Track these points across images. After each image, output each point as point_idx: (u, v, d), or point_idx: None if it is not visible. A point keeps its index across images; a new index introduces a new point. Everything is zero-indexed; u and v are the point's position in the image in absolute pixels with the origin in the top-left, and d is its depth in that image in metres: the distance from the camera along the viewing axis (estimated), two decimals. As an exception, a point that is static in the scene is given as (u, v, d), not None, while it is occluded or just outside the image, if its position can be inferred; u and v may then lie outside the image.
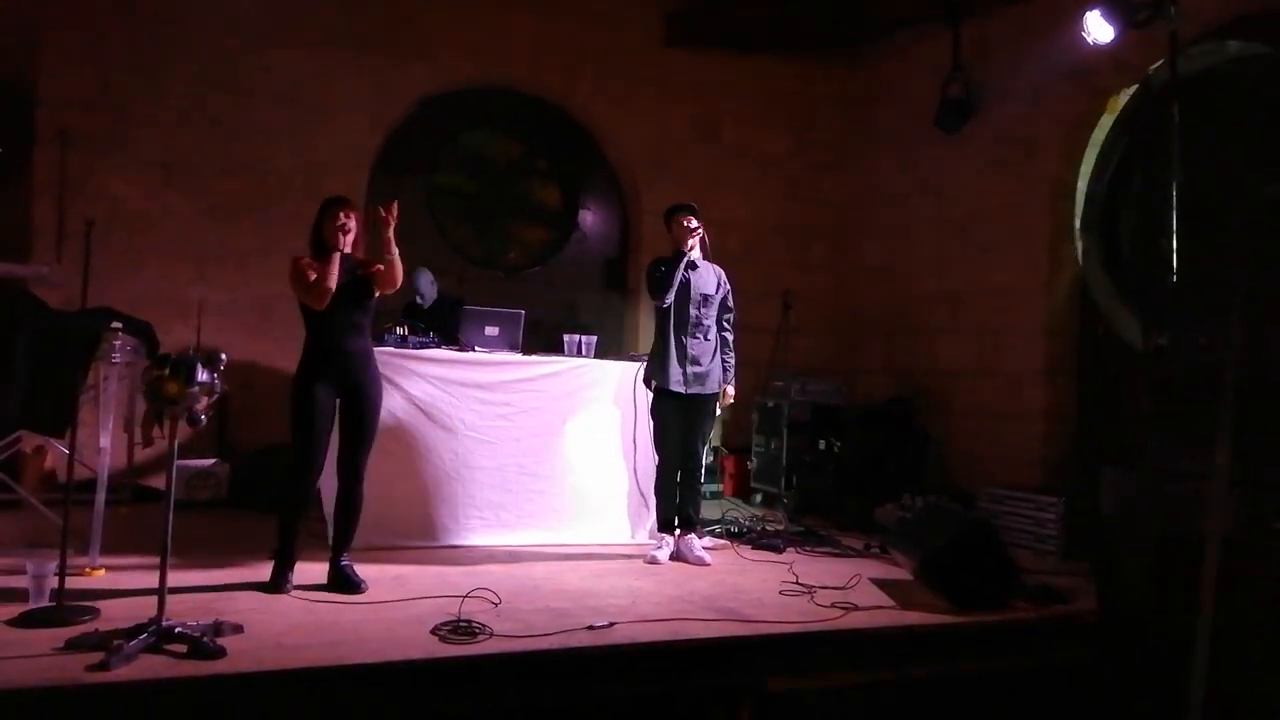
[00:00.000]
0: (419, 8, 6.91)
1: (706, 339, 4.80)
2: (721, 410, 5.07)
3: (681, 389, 4.73)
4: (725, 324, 4.93)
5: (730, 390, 4.92)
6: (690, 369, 4.74)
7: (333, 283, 3.82)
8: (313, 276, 3.84)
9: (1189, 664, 3.13)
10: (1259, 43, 5.31)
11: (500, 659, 3.05)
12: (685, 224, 4.77)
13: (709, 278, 4.87)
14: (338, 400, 3.91)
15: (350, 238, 3.92)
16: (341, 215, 3.91)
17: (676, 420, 4.77)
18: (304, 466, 3.85)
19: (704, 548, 4.84)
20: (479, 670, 3.04)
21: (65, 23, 6.13)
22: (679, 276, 4.71)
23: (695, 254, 4.81)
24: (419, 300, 6.18)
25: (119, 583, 3.73)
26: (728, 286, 4.95)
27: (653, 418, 4.88)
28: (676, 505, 4.83)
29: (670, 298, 4.71)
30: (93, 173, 6.13)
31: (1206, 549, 3.18)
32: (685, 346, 4.74)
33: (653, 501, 4.98)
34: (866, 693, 3.50)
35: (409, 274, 6.14)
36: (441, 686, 2.99)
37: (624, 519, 5.24)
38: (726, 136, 7.80)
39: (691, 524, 4.84)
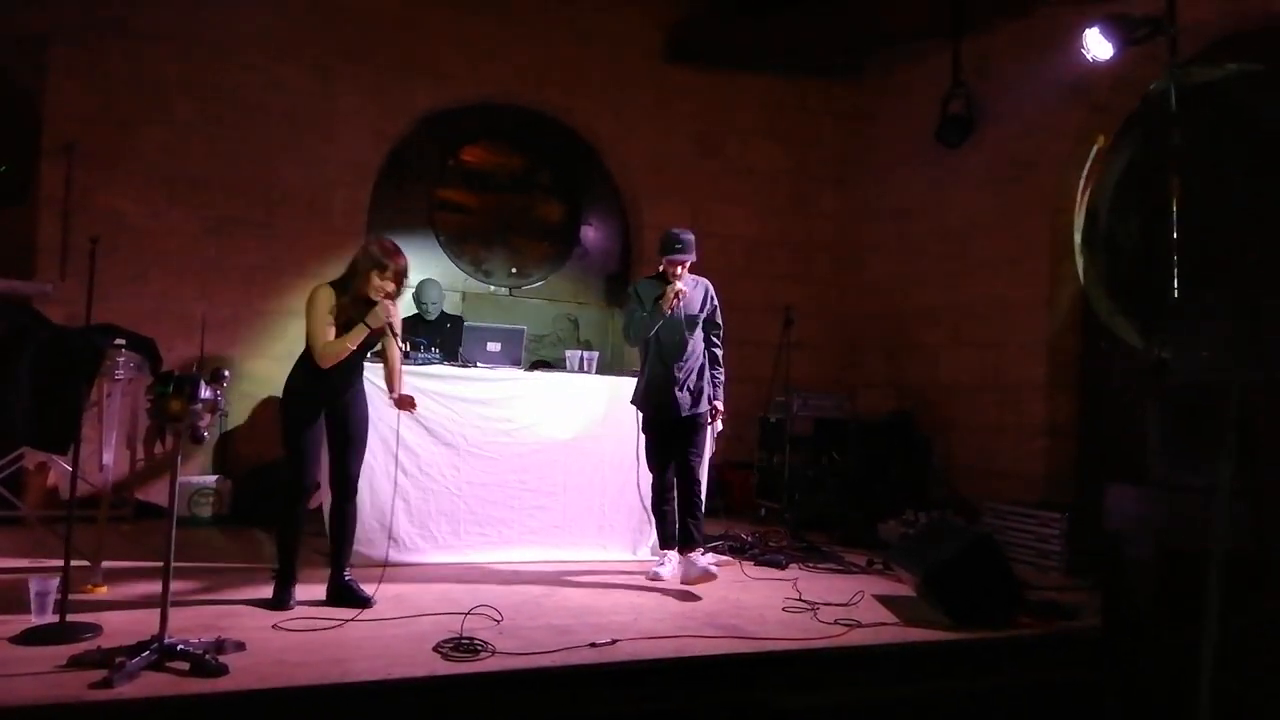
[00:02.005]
0: (421, 24, 6.95)
1: (694, 360, 4.66)
2: (715, 429, 4.91)
3: (668, 414, 4.63)
4: (714, 340, 4.77)
5: (719, 406, 4.74)
6: (678, 394, 4.60)
7: (346, 354, 3.75)
8: (330, 336, 3.72)
9: (1194, 679, 3.11)
10: (1258, 60, 5.33)
11: (503, 677, 3.04)
12: (670, 270, 4.62)
13: (695, 297, 4.69)
14: (325, 415, 3.86)
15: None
16: (393, 286, 3.78)
17: (665, 439, 4.66)
18: (298, 479, 3.82)
19: (708, 564, 4.81)
20: (481, 688, 3.03)
21: (70, 40, 6.16)
22: (656, 326, 4.59)
23: (684, 281, 4.63)
24: (427, 309, 6.15)
25: (121, 599, 3.73)
26: (715, 303, 4.76)
27: (644, 435, 4.78)
28: (676, 522, 4.73)
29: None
30: (97, 189, 6.15)
31: (1211, 563, 3.17)
32: (671, 372, 4.61)
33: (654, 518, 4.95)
34: (870, 710, 3.49)
35: (419, 285, 6.19)
36: (444, 704, 2.98)
37: (626, 535, 5.23)
38: (728, 151, 7.83)
39: (693, 543, 4.70)
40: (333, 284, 3.82)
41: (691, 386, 4.65)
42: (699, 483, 4.79)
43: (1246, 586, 3.21)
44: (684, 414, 4.64)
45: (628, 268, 7.90)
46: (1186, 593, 3.27)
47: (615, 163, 7.77)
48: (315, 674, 2.92)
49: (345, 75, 6.76)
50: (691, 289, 4.68)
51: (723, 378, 4.79)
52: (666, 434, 4.69)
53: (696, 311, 4.70)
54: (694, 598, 4.29)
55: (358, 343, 3.75)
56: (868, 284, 7.91)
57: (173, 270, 6.30)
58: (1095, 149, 6.08)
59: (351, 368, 3.88)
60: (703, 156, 7.74)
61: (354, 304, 3.77)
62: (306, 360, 3.81)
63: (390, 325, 3.79)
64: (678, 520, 4.72)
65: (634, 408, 4.94)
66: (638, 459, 5.09)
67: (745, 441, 7.05)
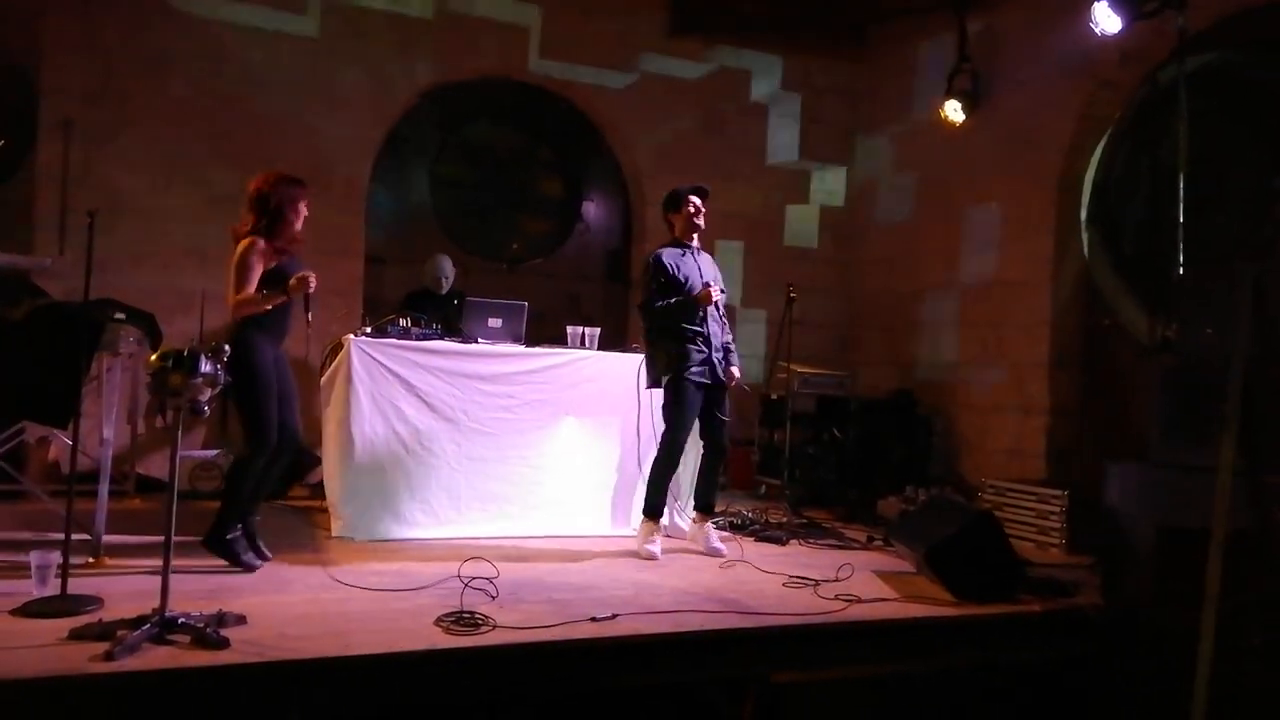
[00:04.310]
0: (422, -1, 6.89)
1: (722, 330, 4.78)
2: (733, 391, 4.96)
3: (707, 379, 4.64)
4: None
5: (735, 372, 4.84)
6: (715, 356, 4.68)
7: (257, 312, 3.86)
8: (252, 290, 3.83)
9: (1193, 656, 3.12)
10: (1265, 33, 5.28)
11: (504, 650, 3.05)
12: (691, 208, 4.76)
13: (709, 264, 4.87)
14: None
15: None
16: (304, 206, 3.97)
17: (697, 409, 4.67)
18: (269, 437, 3.86)
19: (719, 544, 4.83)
20: (482, 661, 3.03)
21: (67, 12, 6.11)
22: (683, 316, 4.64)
23: (694, 240, 4.84)
24: (443, 281, 6.27)
25: (122, 573, 3.73)
26: (717, 271, 4.92)
27: (674, 407, 4.64)
28: (696, 492, 4.90)
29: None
30: (95, 163, 6.11)
31: (1211, 542, 3.17)
32: (708, 336, 4.66)
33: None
34: (869, 684, 3.50)
35: (432, 259, 6.33)
36: (445, 677, 2.99)
37: (628, 510, 5.23)
38: (730, 127, 7.77)
39: (711, 511, 4.86)
40: (258, 234, 3.89)
41: (723, 354, 4.75)
42: (725, 450, 4.88)
43: (1245, 565, 3.21)
44: (721, 379, 4.72)
45: (629, 244, 7.86)
46: (1186, 570, 3.27)
47: (617, 138, 7.71)
48: (316, 647, 2.92)
49: (345, 50, 6.70)
50: (710, 265, 4.85)
51: (733, 344, 4.90)
52: (699, 403, 4.68)
53: (714, 279, 4.80)
54: (694, 573, 4.30)
55: (273, 305, 3.84)
56: (870, 261, 7.88)
57: (172, 245, 6.26)
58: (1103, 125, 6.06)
59: (289, 316, 3.98)
60: (705, 132, 7.68)
61: (283, 249, 3.91)
62: (268, 314, 3.89)
63: (307, 297, 3.88)
64: (704, 486, 4.87)
65: (640, 383, 4.97)
66: (639, 435, 5.10)
67: (746, 418, 7.05)
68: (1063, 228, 6.19)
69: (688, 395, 4.61)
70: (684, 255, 4.77)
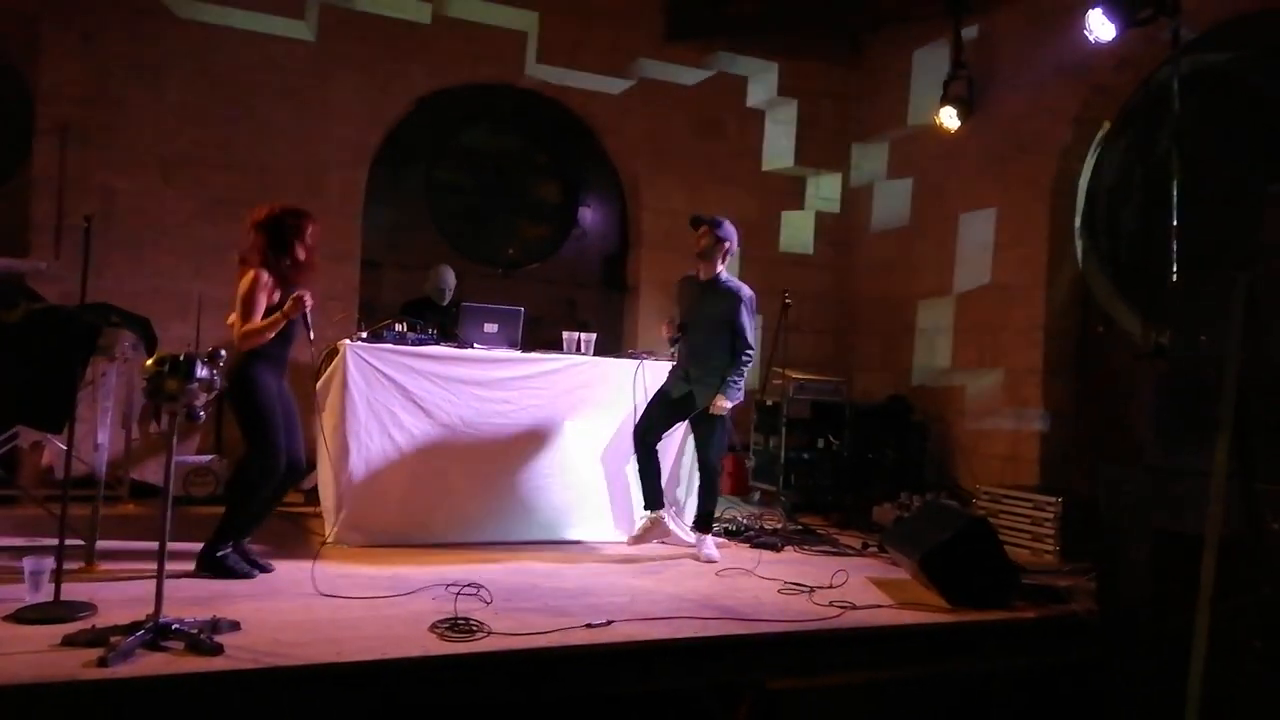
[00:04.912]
0: (419, 2, 6.88)
1: (702, 357, 4.80)
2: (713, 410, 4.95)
3: (673, 393, 4.91)
4: (736, 346, 4.79)
5: (723, 403, 4.74)
6: (683, 382, 4.86)
7: (263, 341, 3.87)
8: (260, 323, 3.84)
9: (1188, 662, 3.12)
10: (1257, 40, 5.30)
11: (499, 657, 3.05)
12: (695, 243, 4.93)
13: (716, 299, 4.83)
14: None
15: None
16: (311, 237, 3.98)
17: (662, 414, 4.92)
18: (278, 460, 3.90)
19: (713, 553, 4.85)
20: (477, 668, 3.03)
21: (63, 16, 6.11)
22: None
23: (721, 269, 4.89)
24: (446, 293, 6.26)
25: (116, 579, 3.72)
26: (738, 311, 4.78)
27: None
28: (656, 490, 4.97)
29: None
30: (91, 168, 6.11)
31: (1205, 547, 3.17)
32: (683, 360, 4.90)
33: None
34: (865, 691, 3.50)
35: (435, 270, 6.31)
36: (439, 684, 2.99)
37: (623, 516, 5.23)
38: (727, 132, 7.78)
39: (705, 523, 4.89)
40: (265, 267, 3.90)
41: (696, 378, 4.81)
42: (710, 470, 4.94)
43: (1242, 569, 3.21)
44: (678, 398, 4.86)
45: (625, 249, 7.87)
46: (1181, 576, 3.28)
47: (614, 143, 7.72)
48: (310, 654, 2.92)
49: (342, 55, 6.70)
50: (712, 304, 4.83)
51: (738, 381, 4.79)
52: (666, 409, 4.90)
53: (715, 315, 4.82)
54: (690, 580, 4.30)
55: (275, 330, 3.84)
56: (866, 267, 7.89)
57: (168, 250, 6.27)
58: (1100, 134, 6.08)
59: (292, 345, 4.01)
60: (702, 137, 7.69)
61: (289, 280, 3.90)
62: (273, 340, 3.90)
63: (305, 316, 3.88)
64: (698, 501, 5.02)
65: (636, 389, 5.10)
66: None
67: (741, 425, 7.05)
68: (1057, 233, 6.21)
69: (657, 390, 4.99)
70: (687, 286, 5.00)
